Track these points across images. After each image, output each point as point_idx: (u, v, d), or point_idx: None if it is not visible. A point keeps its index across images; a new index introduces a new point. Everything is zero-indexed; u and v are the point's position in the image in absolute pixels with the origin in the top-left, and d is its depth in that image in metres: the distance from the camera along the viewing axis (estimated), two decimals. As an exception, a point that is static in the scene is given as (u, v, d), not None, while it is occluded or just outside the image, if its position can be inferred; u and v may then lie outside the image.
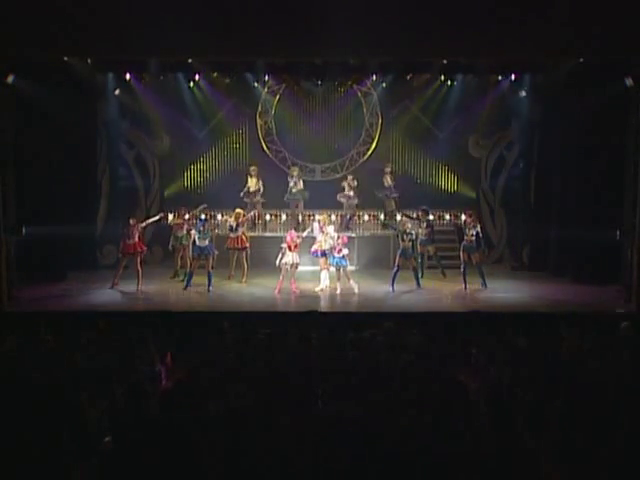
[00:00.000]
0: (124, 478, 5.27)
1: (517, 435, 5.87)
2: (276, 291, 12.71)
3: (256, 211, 15.03)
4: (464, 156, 16.26)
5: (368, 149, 16.49)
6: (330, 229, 12.99)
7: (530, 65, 14.31)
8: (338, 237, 12.84)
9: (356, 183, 15.27)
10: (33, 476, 5.36)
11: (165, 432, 5.70)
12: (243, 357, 8.13)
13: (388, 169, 15.37)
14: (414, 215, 14.29)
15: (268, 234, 15.16)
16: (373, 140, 16.46)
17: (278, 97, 16.27)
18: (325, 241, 12.77)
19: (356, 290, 12.73)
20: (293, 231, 13.16)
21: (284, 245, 12.75)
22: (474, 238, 13.03)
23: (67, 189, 13.99)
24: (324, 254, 12.76)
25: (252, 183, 15.12)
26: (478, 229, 13.16)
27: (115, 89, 14.95)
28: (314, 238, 13.00)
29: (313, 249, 12.93)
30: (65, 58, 12.75)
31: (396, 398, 6.62)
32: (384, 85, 15.85)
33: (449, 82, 15.36)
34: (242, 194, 15.03)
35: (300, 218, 15.34)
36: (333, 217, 15.22)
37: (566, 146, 14.16)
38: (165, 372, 8.59)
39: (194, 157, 16.34)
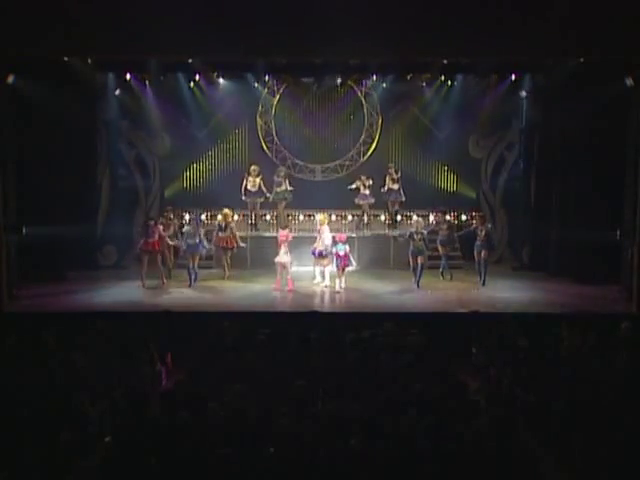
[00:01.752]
0: (124, 478, 5.28)
1: (517, 435, 5.88)
2: (288, 290, 12.69)
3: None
4: (464, 156, 16.21)
5: (368, 149, 16.47)
6: (325, 230, 13.01)
7: (530, 65, 14.29)
8: (334, 238, 12.81)
9: (371, 182, 15.19)
10: (33, 476, 5.37)
11: (165, 432, 5.71)
12: (243, 357, 8.14)
13: (391, 170, 15.29)
14: (433, 223, 14.51)
15: (267, 234, 15.12)
16: (373, 140, 16.43)
17: (278, 97, 16.26)
18: (322, 241, 12.84)
19: (337, 288, 12.68)
20: (285, 231, 13.17)
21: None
22: (486, 237, 13.30)
23: (67, 189, 13.96)
24: (321, 254, 12.81)
25: (252, 183, 15.03)
26: (489, 228, 13.52)
27: (115, 89, 14.95)
28: (314, 238, 13.10)
29: (312, 248, 13.00)
30: (65, 58, 12.75)
31: (396, 398, 6.63)
32: (384, 85, 15.83)
33: (449, 82, 15.34)
34: (243, 195, 14.98)
35: (282, 218, 15.26)
36: (337, 218, 15.24)
37: (566, 146, 14.14)
38: (165, 372, 8.61)
39: (194, 157, 16.29)
